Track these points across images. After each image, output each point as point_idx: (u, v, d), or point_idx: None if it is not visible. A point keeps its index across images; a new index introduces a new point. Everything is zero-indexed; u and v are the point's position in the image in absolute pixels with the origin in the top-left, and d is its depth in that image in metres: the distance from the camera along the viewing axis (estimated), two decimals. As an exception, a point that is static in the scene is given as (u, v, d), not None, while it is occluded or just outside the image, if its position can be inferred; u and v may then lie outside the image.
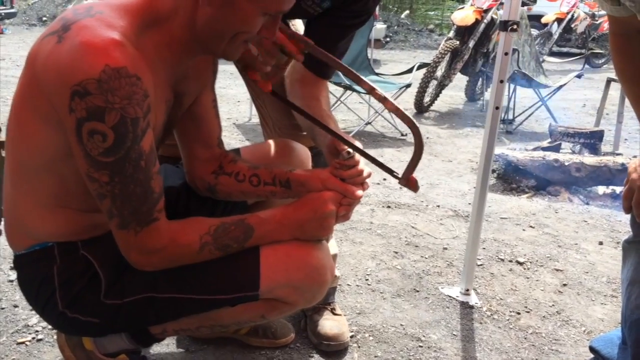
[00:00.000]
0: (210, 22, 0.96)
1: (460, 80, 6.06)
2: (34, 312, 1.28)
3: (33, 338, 1.52)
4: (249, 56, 1.18)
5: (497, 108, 1.75)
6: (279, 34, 1.13)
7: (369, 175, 1.18)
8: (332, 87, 4.28)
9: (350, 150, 1.15)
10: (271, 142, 1.38)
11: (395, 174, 1.20)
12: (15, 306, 1.66)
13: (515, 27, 1.66)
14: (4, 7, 8.98)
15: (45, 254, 1.09)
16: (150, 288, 1.11)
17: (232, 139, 3.97)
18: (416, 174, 1.21)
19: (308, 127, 1.32)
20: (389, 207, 2.75)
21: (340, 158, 1.15)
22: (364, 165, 1.17)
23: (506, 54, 1.70)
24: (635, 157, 1.14)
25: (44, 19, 10.95)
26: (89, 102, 0.87)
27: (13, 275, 1.78)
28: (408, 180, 1.19)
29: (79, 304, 1.11)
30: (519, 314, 1.85)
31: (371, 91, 1.13)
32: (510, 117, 4.93)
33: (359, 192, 1.15)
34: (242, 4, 0.94)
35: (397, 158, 3.71)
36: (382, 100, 1.13)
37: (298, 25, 1.49)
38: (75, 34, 0.88)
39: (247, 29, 0.98)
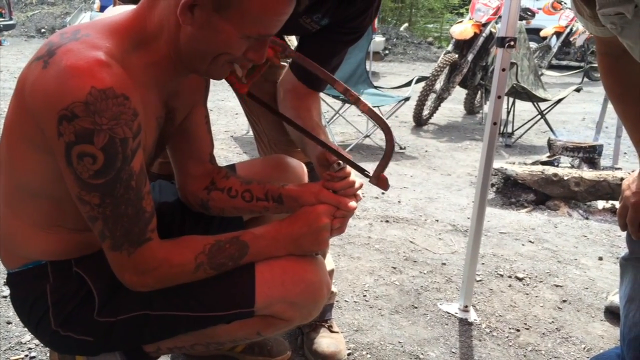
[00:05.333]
0: (192, 42, 0.95)
1: (459, 94, 6.08)
2: (27, 329, 1.28)
3: (26, 356, 1.50)
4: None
5: (495, 124, 1.75)
6: None
7: (360, 186, 1.17)
8: (330, 100, 4.29)
9: (341, 162, 1.15)
10: (267, 158, 1.37)
11: (366, 172, 1.20)
12: (9, 323, 1.64)
13: (512, 43, 1.66)
14: (2, 19, 9.05)
15: (38, 272, 1.08)
16: (144, 306, 1.10)
17: (229, 152, 3.96)
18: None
19: (297, 138, 1.32)
20: (387, 221, 2.74)
21: (331, 170, 1.15)
22: (355, 176, 1.16)
23: (504, 70, 1.70)
24: (633, 171, 1.13)
25: (43, 30, 11.01)
26: (77, 126, 0.86)
27: (6, 290, 1.76)
28: (378, 179, 1.18)
29: (72, 322, 1.10)
30: (518, 330, 1.83)
31: (345, 92, 1.13)
32: (509, 130, 4.94)
33: (352, 204, 1.14)
34: (222, 26, 0.92)
35: (396, 172, 3.71)
36: (356, 100, 1.13)
37: (293, 41, 1.49)
38: (60, 59, 0.88)
39: (229, 50, 0.96)
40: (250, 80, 1.19)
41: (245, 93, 1.20)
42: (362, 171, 1.19)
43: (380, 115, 1.12)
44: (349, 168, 1.16)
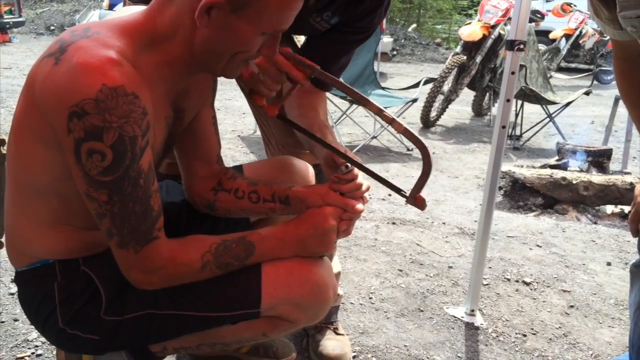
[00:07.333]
0: (208, 42, 0.96)
1: (467, 95, 6.06)
2: (34, 327, 1.29)
3: (32, 353, 1.51)
4: (254, 82, 1.18)
5: (503, 127, 1.74)
6: (284, 61, 1.14)
7: (367, 189, 1.17)
8: (337, 100, 4.29)
9: (349, 164, 1.14)
10: (273, 159, 1.36)
11: (402, 192, 1.19)
12: (15, 320, 1.65)
13: (522, 46, 1.65)
14: (12, 16, 9.13)
15: (46, 271, 1.08)
16: (150, 305, 1.10)
17: (236, 152, 3.97)
18: (422, 190, 1.19)
19: (305, 139, 1.31)
20: (393, 223, 2.73)
21: (338, 172, 1.14)
22: (362, 178, 1.16)
23: (513, 73, 1.69)
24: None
25: (52, 28, 11.08)
26: (86, 122, 0.87)
27: (14, 288, 1.77)
28: (415, 199, 1.17)
29: (79, 320, 1.10)
30: (525, 336, 1.82)
31: (379, 113, 1.12)
32: (518, 133, 4.91)
33: (359, 206, 1.13)
34: (240, 26, 0.94)
35: (403, 173, 3.70)
36: (390, 121, 1.12)
37: (302, 40, 1.48)
38: (72, 55, 0.88)
39: (246, 48, 0.98)
40: (279, 103, 1.20)
41: (276, 115, 1.20)
42: (398, 191, 1.19)
43: (418, 136, 1.12)
44: (356, 170, 1.15)
